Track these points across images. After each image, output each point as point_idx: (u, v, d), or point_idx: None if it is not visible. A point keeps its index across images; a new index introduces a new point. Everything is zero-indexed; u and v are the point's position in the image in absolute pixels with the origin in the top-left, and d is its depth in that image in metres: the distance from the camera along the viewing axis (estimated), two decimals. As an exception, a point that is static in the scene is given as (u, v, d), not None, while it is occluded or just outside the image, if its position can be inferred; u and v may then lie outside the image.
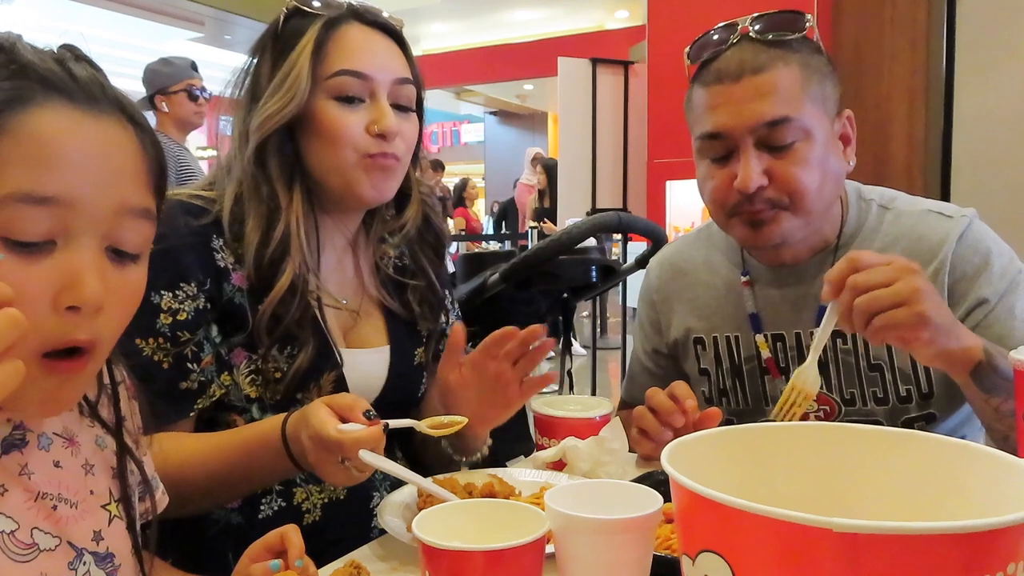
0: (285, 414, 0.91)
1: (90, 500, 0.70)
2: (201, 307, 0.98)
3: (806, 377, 0.99)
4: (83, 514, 0.68)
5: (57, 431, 0.69)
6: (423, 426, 0.93)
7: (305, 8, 1.05)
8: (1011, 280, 1.10)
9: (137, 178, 0.62)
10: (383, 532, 0.89)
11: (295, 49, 1.03)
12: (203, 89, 3.38)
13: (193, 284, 0.98)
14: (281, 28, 1.06)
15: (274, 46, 1.06)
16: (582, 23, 10.25)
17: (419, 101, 1.11)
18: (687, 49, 1.15)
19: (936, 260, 1.11)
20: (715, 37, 1.11)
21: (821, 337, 0.96)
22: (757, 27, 1.09)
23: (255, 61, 1.08)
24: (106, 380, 0.74)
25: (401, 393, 1.14)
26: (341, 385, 1.05)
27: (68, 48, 0.63)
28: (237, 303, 1.00)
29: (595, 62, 6.12)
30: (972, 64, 3.29)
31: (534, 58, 10.16)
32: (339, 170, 1.04)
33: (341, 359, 1.05)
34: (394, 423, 0.88)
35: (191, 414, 0.98)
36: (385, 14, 1.11)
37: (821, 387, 1.17)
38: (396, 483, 1.09)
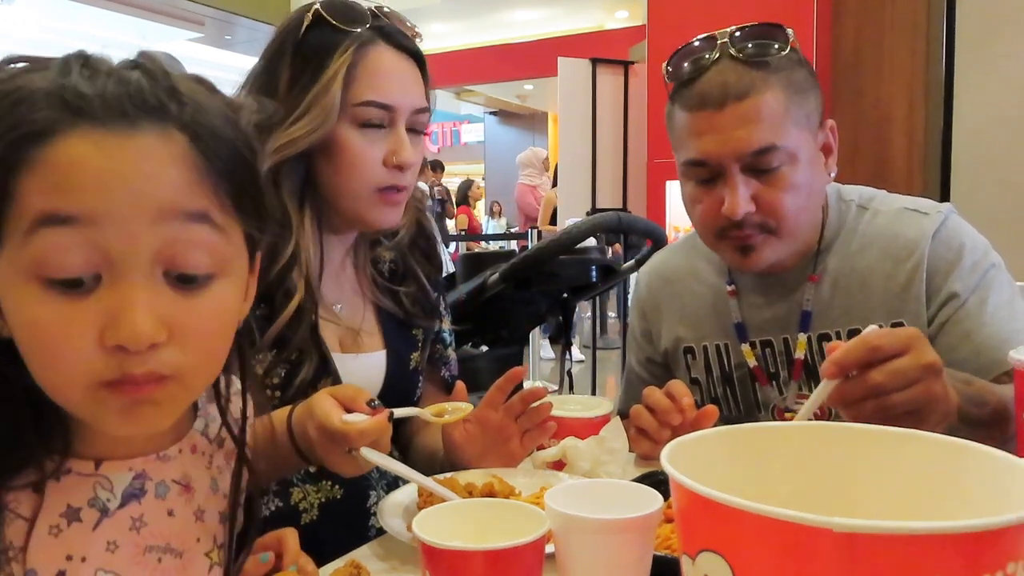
0: (291, 407, 0.91)
1: (195, 548, 0.67)
2: None
3: None
4: (187, 564, 0.66)
5: (176, 478, 0.66)
6: (427, 414, 0.93)
7: (334, 23, 1.03)
8: (983, 274, 1.10)
9: (183, 184, 0.55)
10: (381, 532, 0.89)
11: (326, 71, 1.01)
12: None
13: None
14: (303, 36, 1.03)
15: (296, 56, 1.03)
16: (582, 23, 10.24)
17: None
18: (665, 65, 1.13)
19: (913, 258, 1.11)
20: (694, 54, 1.09)
21: (805, 414, 0.86)
22: (738, 45, 1.07)
23: (271, 66, 1.05)
24: (234, 417, 0.71)
25: (397, 397, 1.14)
26: None
27: (136, 61, 0.58)
28: None
29: (595, 62, 6.12)
30: (972, 64, 3.29)
31: (534, 58, 10.16)
32: (351, 198, 1.04)
33: (336, 370, 1.05)
34: (399, 412, 0.88)
35: None
36: (410, 23, 1.09)
37: (810, 391, 1.18)
38: (393, 483, 1.09)
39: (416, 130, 1.07)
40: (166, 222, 0.54)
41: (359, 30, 1.03)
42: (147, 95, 0.55)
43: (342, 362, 1.07)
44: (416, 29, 1.11)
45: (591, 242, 1.96)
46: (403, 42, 1.06)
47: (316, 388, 1.03)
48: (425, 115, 1.08)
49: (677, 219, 4.43)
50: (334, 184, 1.04)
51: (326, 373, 1.04)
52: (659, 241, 1.97)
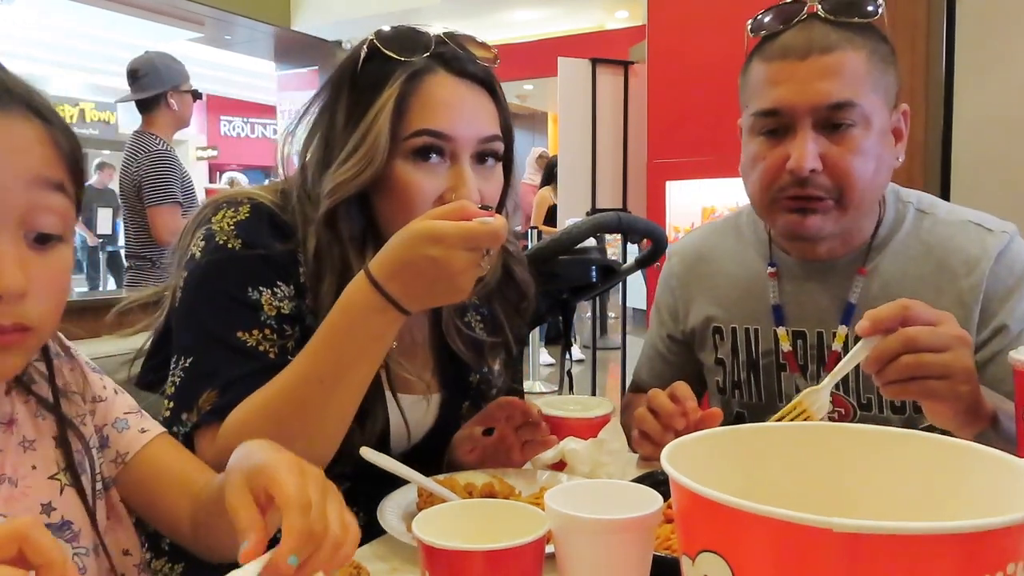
0: (362, 270, 0.84)
1: (33, 475, 0.72)
2: (296, 308, 0.97)
3: (815, 400, 0.92)
4: (25, 490, 0.71)
5: None
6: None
7: (388, 53, 0.96)
8: None
9: (47, 159, 0.66)
10: (383, 530, 0.88)
11: (374, 105, 0.94)
12: None
13: (291, 286, 0.96)
14: (360, 68, 0.98)
15: (352, 89, 0.98)
16: (582, 23, 10.24)
17: (508, 148, 1.03)
18: (748, 22, 1.12)
19: (973, 276, 1.09)
20: (781, 11, 1.08)
21: (842, 368, 0.90)
22: (826, 9, 1.06)
23: (329, 101, 1.00)
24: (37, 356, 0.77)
25: (440, 440, 1.13)
26: (387, 428, 1.03)
27: None
28: (308, 324, 0.97)
29: (595, 62, 6.11)
30: (972, 64, 3.29)
31: (534, 58, 10.15)
32: None
33: (400, 407, 1.03)
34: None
35: None
36: (481, 39, 1.02)
37: (837, 388, 1.16)
38: None
39: (487, 163, 0.99)
40: (34, 189, 0.64)
41: (414, 59, 0.96)
42: (10, 86, 0.66)
43: (396, 400, 1.04)
44: (490, 51, 1.02)
45: (591, 242, 1.96)
46: (467, 68, 0.98)
47: (367, 422, 0.99)
48: (496, 143, 0.99)
49: (677, 219, 4.42)
50: (393, 222, 0.95)
51: (381, 411, 1.02)
52: (659, 241, 1.97)
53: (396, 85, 0.94)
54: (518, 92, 13.03)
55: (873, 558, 0.40)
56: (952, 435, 1.13)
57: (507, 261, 1.12)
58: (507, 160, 1.04)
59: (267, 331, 0.94)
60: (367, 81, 0.97)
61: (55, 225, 0.66)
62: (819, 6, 1.06)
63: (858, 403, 1.15)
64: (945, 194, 3.28)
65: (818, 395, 0.93)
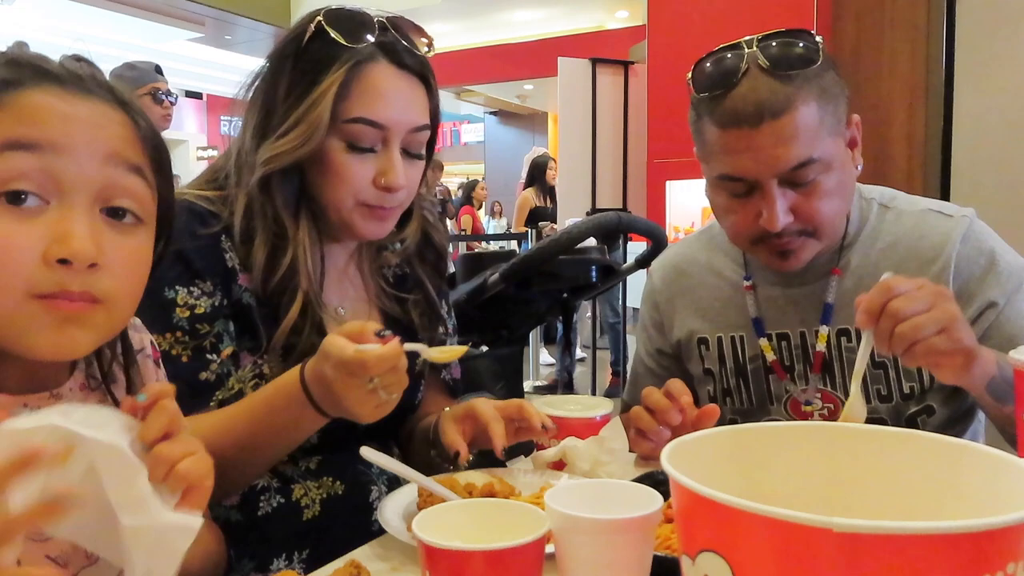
0: (300, 365, 0.90)
1: None
2: (217, 303, 1.00)
3: (854, 412, 0.97)
4: None
5: None
6: (431, 352, 0.92)
7: (335, 36, 1.01)
8: (1018, 280, 1.11)
9: (126, 140, 0.67)
10: (382, 530, 0.89)
11: (318, 86, 1.00)
12: (168, 92, 3.39)
13: (208, 282, 0.99)
14: (305, 46, 1.02)
15: (295, 65, 1.03)
16: (582, 23, 10.24)
17: (433, 130, 1.10)
18: (689, 76, 1.10)
19: (940, 260, 1.12)
20: (721, 65, 1.06)
21: (860, 366, 0.95)
22: (767, 56, 1.03)
23: (272, 70, 1.05)
24: (117, 349, 0.77)
25: (400, 402, 1.14)
26: None
27: (73, 55, 0.70)
28: (245, 303, 1.01)
29: (595, 62, 6.11)
30: (972, 64, 3.29)
31: (534, 58, 10.16)
32: (337, 210, 1.04)
33: None
34: (407, 346, 0.86)
35: (211, 405, 0.98)
36: (420, 33, 1.08)
37: (826, 385, 1.18)
38: (394, 479, 1.09)
39: (413, 151, 1.06)
40: (111, 166, 0.66)
41: (360, 46, 1.01)
42: (97, 76, 0.69)
43: None
44: (427, 38, 1.09)
45: (591, 242, 1.96)
46: (406, 60, 1.04)
47: None
48: (424, 132, 1.07)
49: (677, 219, 4.42)
50: (322, 195, 1.04)
51: None
52: (659, 241, 1.97)
53: (341, 71, 1.00)
54: (518, 92, 13.03)
55: (873, 558, 0.40)
56: (960, 414, 1.16)
57: (425, 228, 1.19)
58: (431, 139, 1.11)
59: (179, 334, 0.97)
60: (311, 58, 1.02)
61: (132, 207, 0.68)
62: (760, 55, 1.03)
63: (845, 396, 1.16)
64: (945, 194, 3.28)
65: (854, 407, 0.97)
